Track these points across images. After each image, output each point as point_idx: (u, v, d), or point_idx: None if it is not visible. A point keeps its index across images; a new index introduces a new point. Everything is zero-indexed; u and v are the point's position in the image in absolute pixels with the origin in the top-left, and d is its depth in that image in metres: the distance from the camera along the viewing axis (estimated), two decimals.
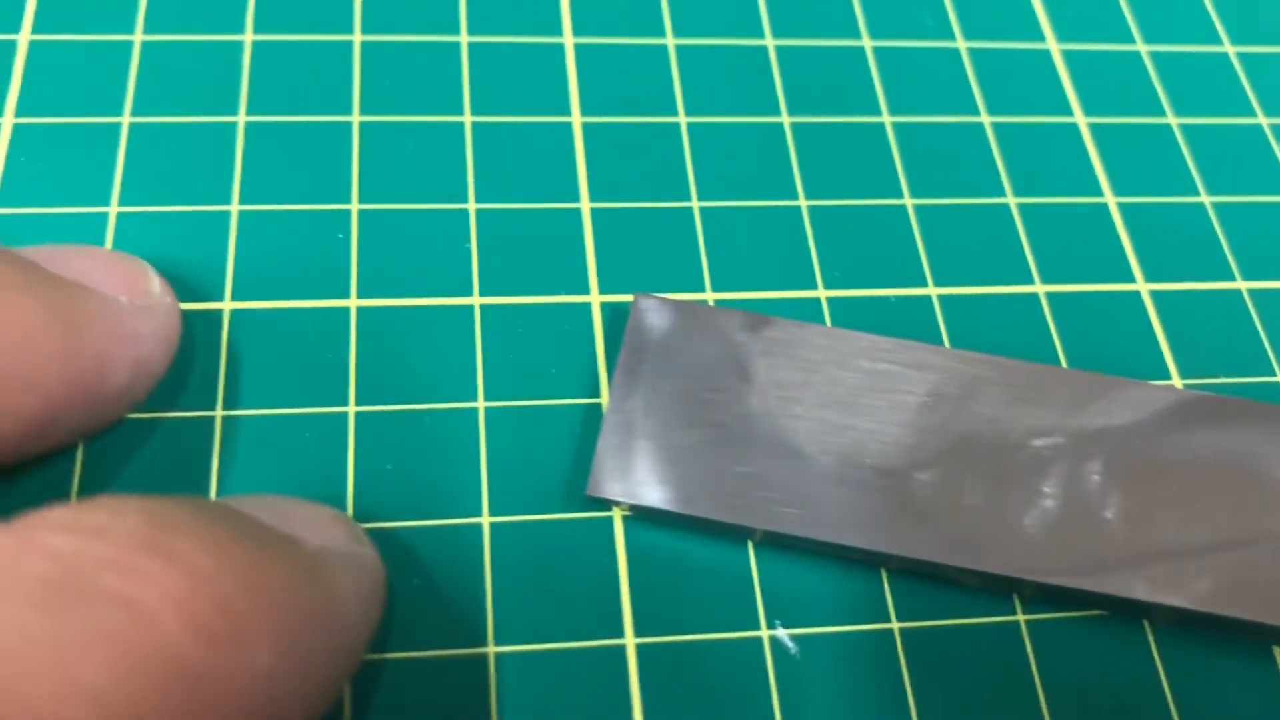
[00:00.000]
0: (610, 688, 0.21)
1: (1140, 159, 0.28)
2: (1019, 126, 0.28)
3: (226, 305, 0.24)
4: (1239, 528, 0.22)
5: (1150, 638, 0.22)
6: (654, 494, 0.22)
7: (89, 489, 0.21)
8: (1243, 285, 0.27)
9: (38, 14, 0.27)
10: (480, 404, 0.23)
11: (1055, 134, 0.28)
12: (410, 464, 0.22)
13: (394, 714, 0.20)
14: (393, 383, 0.23)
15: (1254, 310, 0.26)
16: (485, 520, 0.22)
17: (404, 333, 0.24)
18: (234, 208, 0.25)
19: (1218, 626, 0.22)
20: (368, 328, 0.24)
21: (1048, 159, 0.28)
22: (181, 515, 0.15)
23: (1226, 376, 0.25)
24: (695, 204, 0.26)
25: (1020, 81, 0.29)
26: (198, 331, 0.23)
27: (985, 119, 0.28)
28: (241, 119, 0.26)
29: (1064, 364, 0.25)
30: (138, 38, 0.27)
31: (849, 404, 0.23)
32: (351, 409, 0.23)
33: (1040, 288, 0.26)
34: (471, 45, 0.28)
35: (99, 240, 0.24)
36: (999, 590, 0.22)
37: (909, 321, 0.25)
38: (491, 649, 0.21)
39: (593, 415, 0.23)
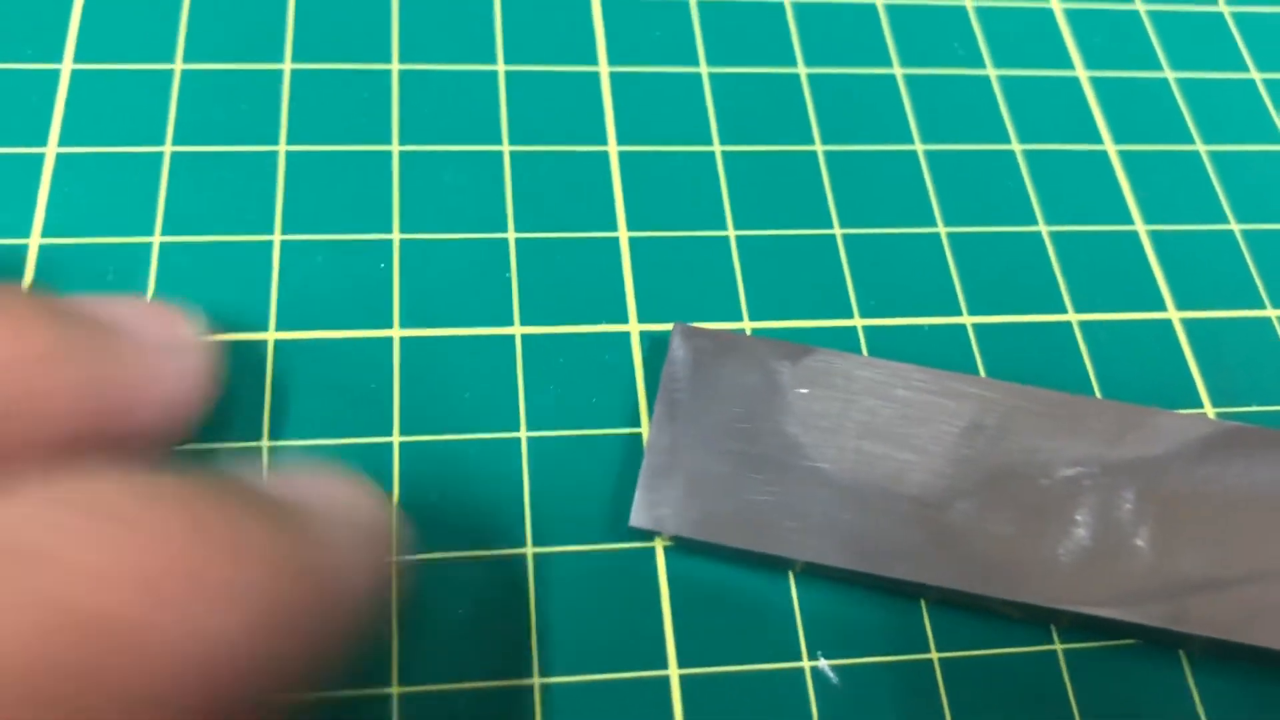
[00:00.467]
0: (655, 719, 0.21)
1: (1170, 186, 0.28)
2: (1049, 154, 0.29)
3: (271, 335, 0.24)
4: (1273, 557, 0.22)
5: (1186, 667, 0.22)
6: (695, 525, 0.22)
7: None
8: (1273, 313, 0.27)
9: (79, 43, 0.27)
10: (523, 434, 0.23)
11: (1085, 161, 0.29)
12: (454, 495, 0.23)
13: None
14: (436, 413, 0.23)
15: None
16: (529, 551, 0.22)
17: (447, 363, 0.24)
18: (276, 237, 0.25)
19: (1253, 657, 0.22)
20: (411, 358, 0.24)
21: (1078, 187, 0.28)
22: (163, 485, 0.15)
23: (1259, 405, 0.26)
24: (732, 233, 0.26)
25: (1050, 109, 0.29)
26: (243, 362, 0.24)
27: (1016, 146, 0.29)
28: (282, 148, 0.26)
29: (1097, 391, 0.25)
30: (178, 66, 0.27)
31: (887, 434, 0.23)
32: (396, 439, 0.23)
33: (1073, 316, 0.26)
34: (508, 74, 0.28)
35: (143, 270, 0.24)
36: (1036, 619, 0.23)
37: (944, 350, 0.25)
38: (537, 680, 0.21)
39: (634, 445, 0.24)
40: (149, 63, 0.27)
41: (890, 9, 0.31)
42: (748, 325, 0.25)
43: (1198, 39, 0.31)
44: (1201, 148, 0.29)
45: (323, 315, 0.24)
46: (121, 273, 0.24)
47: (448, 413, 0.23)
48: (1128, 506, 0.23)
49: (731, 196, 0.27)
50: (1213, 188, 0.29)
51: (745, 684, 0.21)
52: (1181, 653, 0.23)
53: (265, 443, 0.23)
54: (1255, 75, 0.31)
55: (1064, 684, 0.22)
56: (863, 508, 0.22)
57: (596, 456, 0.23)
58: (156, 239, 0.25)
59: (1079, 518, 0.23)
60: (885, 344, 0.25)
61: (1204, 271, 0.27)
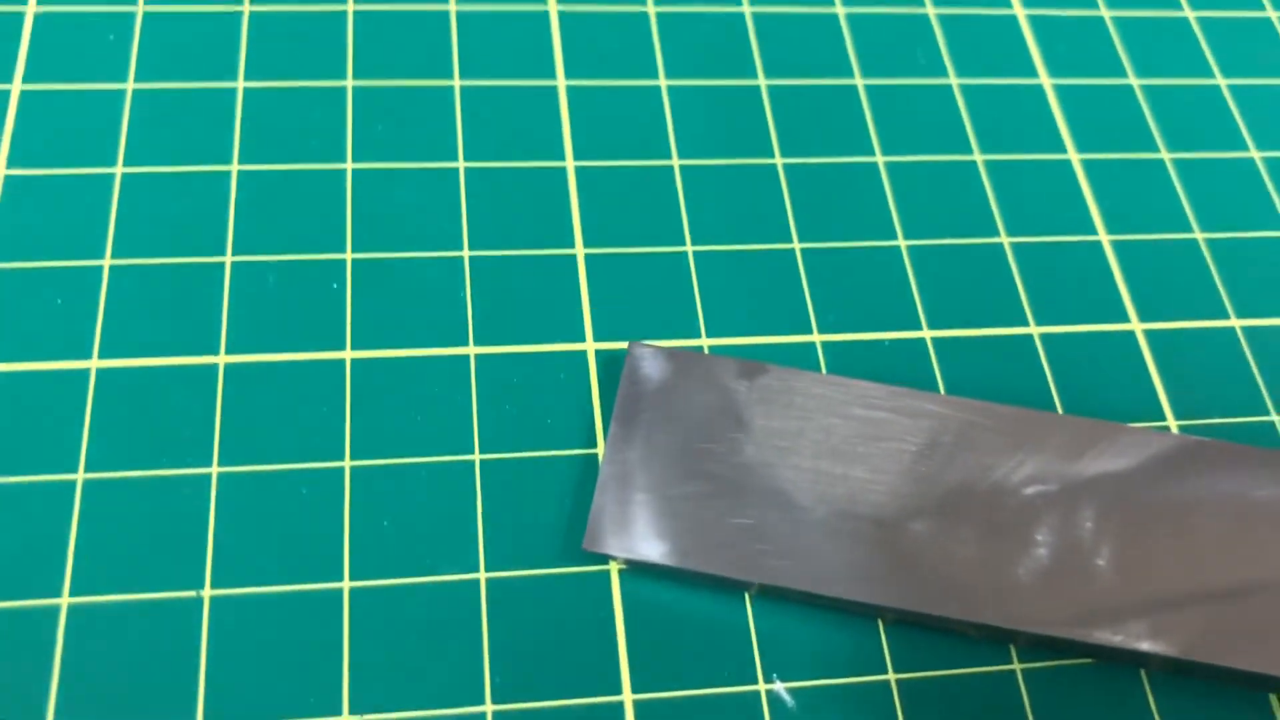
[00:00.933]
0: None
1: (1134, 195, 0.28)
2: (1012, 164, 0.28)
3: (221, 359, 0.24)
4: (1231, 575, 0.22)
5: (1146, 685, 0.22)
6: (650, 549, 0.22)
7: (84, 546, 0.21)
8: (1236, 323, 0.27)
9: (29, 64, 0.27)
10: (476, 456, 0.23)
11: (1048, 171, 0.28)
12: (406, 519, 0.22)
13: None
14: (388, 436, 0.23)
15: (1248, 348, 0.26)
16: (482, 576, 0.22)
17: (399, 384, 0.24)
18: (228, 259, 0.25)
19: (1212, 674, 0.22)
20: (362, 380, 0.24)
21: (1041, 197, 0.28)
22: None
23: (1221, 417, 0.25)
24: (689, 248, 0.26)
25: (1013, 118, 0.29)
26: (193, 386, 0.23)
27: (978, 157, 0.28)
28: (235, 168, 0.26)
29: (1059, 405, 0.25)
30: (130, 86, 0.27)
31: (844, 453, 0.23)
32: (347, 463, 0.23)
33: (1035, 329, 0.26)
34: (464, 89, 0.28)
35: (94, 293, 0.24)
36: (995, 639, 0.22)
37: (904, 365, 0.25)
38: (490, 707, 0.21)
39: (589, 466, 0.23)
40: (100, 83, 0.27)
41: (852, 18, 0.30)
42: (705, 342, 0.25)
43: (1163, 45, 0.31)
44: (1166, 155, 0.29)
45: (274, 338, 0.24)
46: (70, 297, 0.24)
47: (400, 436, 0.23)
48: (1088, 525, 0.23)
49: (689, 211, 0.27)
50: (1177, 196, 0.28)
51: (700, 708, 0.21)
52: (1141, 671, 0.22)
53: (215, 469, 0.22)
54: (1220, 81, 0.31)
55: (1023, 704, 0.22)
56: (819, 528, 0.22)
57: (551, 478, 0.23)
58: (106, 261, 0.25)
59: (1039, 537, 0.22)
60: (845, 360, 0.25)
61: (1167, 282, 0.27)
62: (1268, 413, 0.26)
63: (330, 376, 0.24)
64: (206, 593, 0.21)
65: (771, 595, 0.22)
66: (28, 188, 0.25)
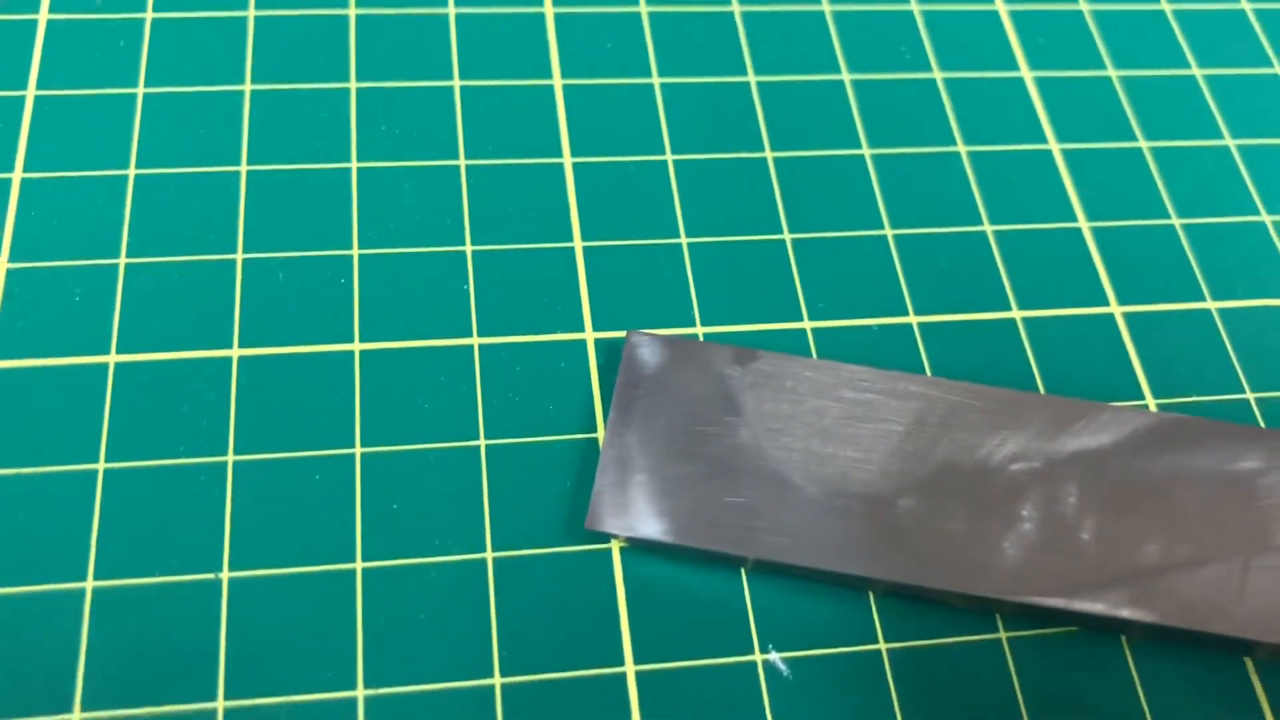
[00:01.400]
0: (612, 715, 0.22)
1: (1112, 183, 0.29)
2: (994, 155, 0.29)
3: (235, 352, 0.25)
4: (1207, 545, 0.23)
5: (1126, 651, 0.23)
6: (649, 526, 0.23)
7: (107, 532, 0.22)
8: (1212, 305, 0.28)
9: (42, 71, 0.28)
10: (482, 442, 0.24)
11: (1030, 161, 0.29)
12: (416, 502, 0.23)
13: None
14: (397, 423, 0.24)
15: (1223, 329, 0.27)
16: (489, 555, 0.23)
17: (407, 374, 0.25)
18: (239, 256, 0.26)
19: (1189, 639, 0.23)
20: (371, 370, 0.25)
21: (1023, 186, 0.29)
22: None
23: (1198, 395, 0.26)
24: (684, 240, 0.27)
25: (995, 110, 0.30)
26: (208, 379, 0.24)
27: (961, 148, 0.29)
28: (244, 168, 0.27)
29: (1041, 386, 0.26)
30: (140, 91, 0.28)
31: (834, 434, 0.24)
32: (358, 450, 0.24)
33: (1017, 313, 0.27)
34: (464, 89, 0.29)
35: (110, 291, 0.25)
36: (981, 609, 0.23)
37: (891, 349, 0.26)
38: (499, 680, 0.22)
39: (590, 450, 0.24)
40: (111, 88, 0.28)
41: (838, 15, 0.31)
42: (700, 330, 0.26)
43: (1140, 37, 0.32)
44: (1143, 144, 0.30)
45: (285, 331, 0.25)
46: (89, 295, 0.25)
47: (409, 423, 0.24)
48: (1070, 499, 0.24)
49: (683, 204, 0.28)
50: (1154, 184, 0.29)
51: (699, 678, 0.22)
52: (1122, 638, 0.23)
53: (231, 457, 0.23)
54: (1196, 71, 0.32)
55: (1009, 670, 0.23)
56: (812, 506, 0.23)
57: (554, 462, 0.24)
58: (122, 260, 0.25)
59: (1023, 511, 0.23)
60: (834, 345, 0.26)
61: (1145, 266, 0.28)
62: (1242, 391, 0.27)
63: (340, 367, 0.25)
64: (225, 575, 0.22)
65: (766, 570, 0.23)
66: (45, 190, 0.26)
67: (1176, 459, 0.24)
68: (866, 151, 0.29)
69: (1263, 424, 0.26)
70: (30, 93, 0.27)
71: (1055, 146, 0.30)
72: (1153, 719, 0.23)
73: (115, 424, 0.24)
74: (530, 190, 0.27)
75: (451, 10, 0.30)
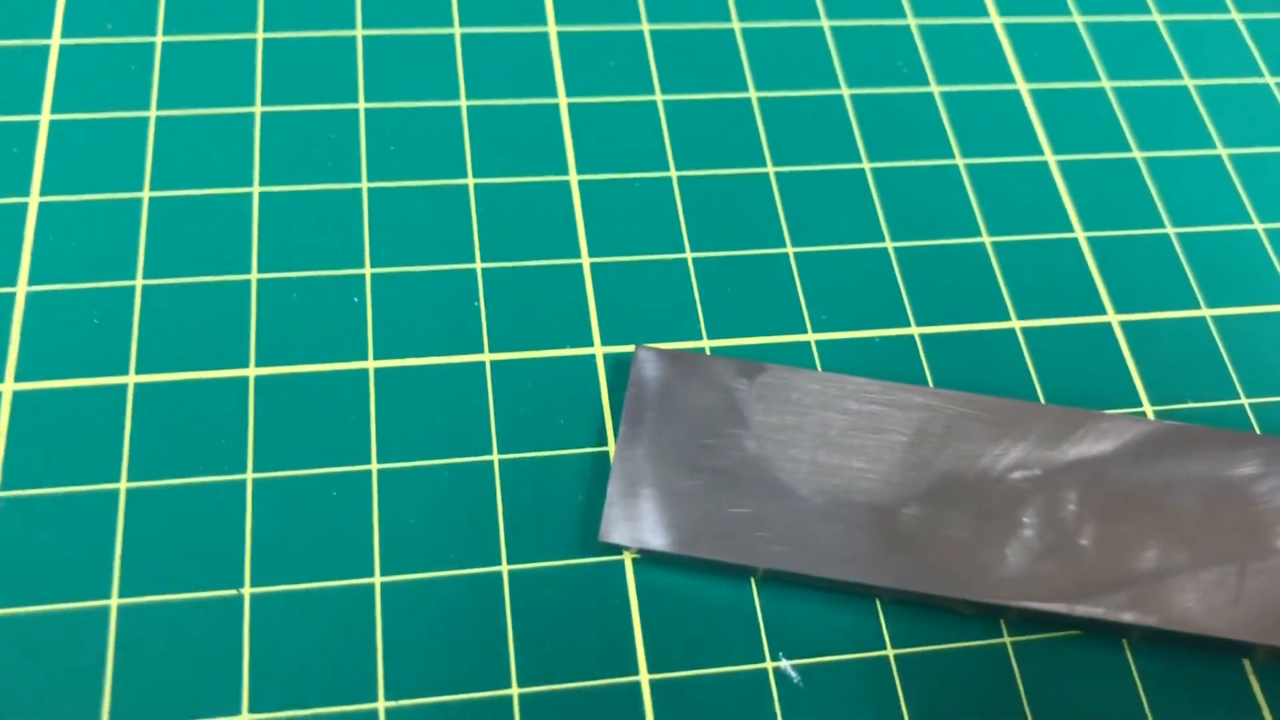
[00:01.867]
0: None
1: (1108, 194, 0.30)
2: (992, 167, 0.30)
3: (251, 372, 0.25)
4: (1205, 549, 0.24)
5: (1128, 654, 0.24)
6: (660, 538, 0.23)
7: (130, 551, 0.23)
8: (1207, 313, 0.28)
9: (56, 96, 0.28)
10: (495, 456, 0.25)
11: (1026, 173, 0.30)
12: (431, 517, 0.24)
13: None
14: (412, 440, 0.25)
15: (1218, 336, 0.28)
16: (504, 568, 0.23)
17: (420, 391, 0.25)
18: (254, 276, 0.26)
19: (1190, 642, 0.24)
20: (385, 387, 0.25)
21: (1020, 197, 0.29)
22: None
23: (1194, 401, 0.27)
24: (689, 255, 0.28)
25: (992, 122, 0.31)
26: (225, 398, 0.25)
27: (959, 161, 0.30)
28: (256, 190, 0.27)
29: (1040, 395, 0.27)
30: (153, 114, 0.28)
31: (839, 445, 0.24)
32: (374, 466, 0.24)
33: (1016, 323, 0.28)
34: (470, 109, 0.29)
35: (127, 313, 0.25)
36: (986, 615, 0.24)
37: (894, 361, 0.27)
38: (516, 690, 0.22)
39: (601, 463, 0.25)
40: (125, 111, 0.28)
41: (837, 31, 0.32)
42: (707, 344, 0.26)
43: (1133, 49, 0.33)
44: (1138, 155, 0.31)
45: (300, 350, 0.25)
46: (107, 316, 0.25)
47: (424, 439, 0.25)
48: (1070, 506, 0.24)
49: (688, 220, 0.28)
50: (1149, 194, 0.30)
51: (712, 686, 0.23)
52: (1124, 641, 0.24)
53: (250, 475, 0.24)
54: (1189, 82, 0.32)
55: (1013, 674, 0.23)
56: (818, 516, 0.24)
57: (566, 475, 0.25)
58: (139, 282, 0.26)
59: (1025, 518, 0.24)
60: (837, 357, 0.27)
61: (1141, 275, 0.29)
62: (1238, 397, 0.27)
63: (355, 385, 0.25)
64: (247, 590, 0.23)
65: (776, 579, 0.24)
66: (62, 214, 0.27)
67: (1174, 465, 0.25)
68: (866, 165, 0.30)
69: (1258, 429, 0.27)
70: (45, 117, 0.28)
71: (1051, 158, 0.30)
72: (1154, 719, 0.23)
73: (136, 444, 0.24)
74: (538, 208, 0.28)
75: (457, 30, 0.31)
